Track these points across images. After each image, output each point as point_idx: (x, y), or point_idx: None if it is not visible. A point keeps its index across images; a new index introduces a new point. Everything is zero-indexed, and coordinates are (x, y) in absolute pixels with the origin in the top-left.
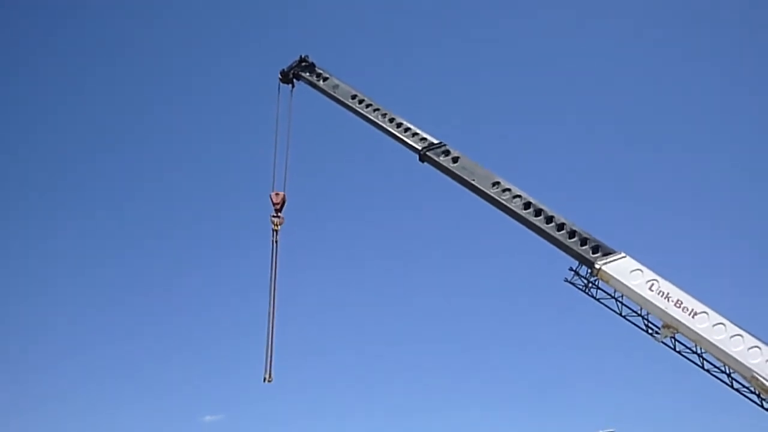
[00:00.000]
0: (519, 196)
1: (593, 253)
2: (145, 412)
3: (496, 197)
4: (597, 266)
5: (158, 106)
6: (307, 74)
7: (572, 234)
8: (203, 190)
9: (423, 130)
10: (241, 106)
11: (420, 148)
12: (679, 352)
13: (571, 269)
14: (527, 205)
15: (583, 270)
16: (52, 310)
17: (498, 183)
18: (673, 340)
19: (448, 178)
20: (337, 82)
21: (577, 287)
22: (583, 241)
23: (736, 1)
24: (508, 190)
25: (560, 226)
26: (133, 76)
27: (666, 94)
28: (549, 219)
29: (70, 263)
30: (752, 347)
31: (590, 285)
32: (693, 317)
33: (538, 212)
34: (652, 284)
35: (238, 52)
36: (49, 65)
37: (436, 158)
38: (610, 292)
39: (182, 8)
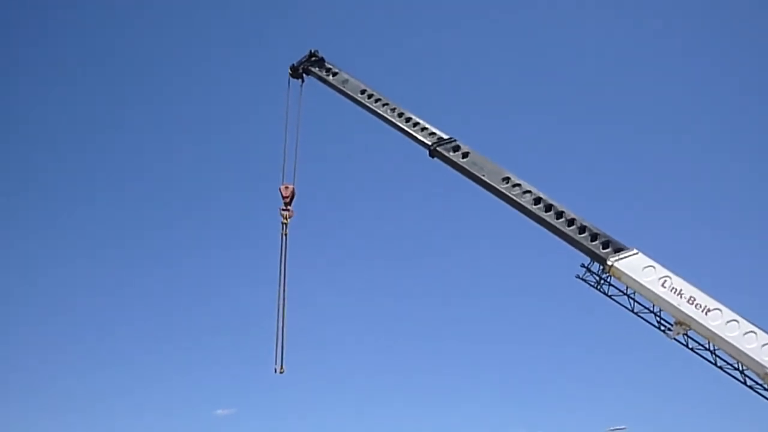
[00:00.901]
0: (529, 192)
1: (604, 249)
2: (156, 407)
3: (506, 192)
4: (609, 263)
5: (168, 100)
6: (317, 69)
7: (583, 230)
8: (214, 184)
9: (432, 125)
10: (252, 100)
11: (430, 143)
12: (691, 349)
13: (582, 265)
14: (537, 201)
15: (595, 266)
16: (62, 303)
17: (508, 178)
18: (685, 337)
19: (459, 174)
20: (346, 77)
21: (588, 284)
22: (594, 237)
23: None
24: (518, 185)
25: (570, 222)
26: (139, 75)
27: (670, 91)
28: (559, 214)
29: (79, 256)
30: (766, 344)
31: (602, 281)
32: (706, 314)
33: (548, 208)
34: (665, 281)
35: (248, 45)
36: (50, 60)
37: (446, 154)
38: (621, 289)
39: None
